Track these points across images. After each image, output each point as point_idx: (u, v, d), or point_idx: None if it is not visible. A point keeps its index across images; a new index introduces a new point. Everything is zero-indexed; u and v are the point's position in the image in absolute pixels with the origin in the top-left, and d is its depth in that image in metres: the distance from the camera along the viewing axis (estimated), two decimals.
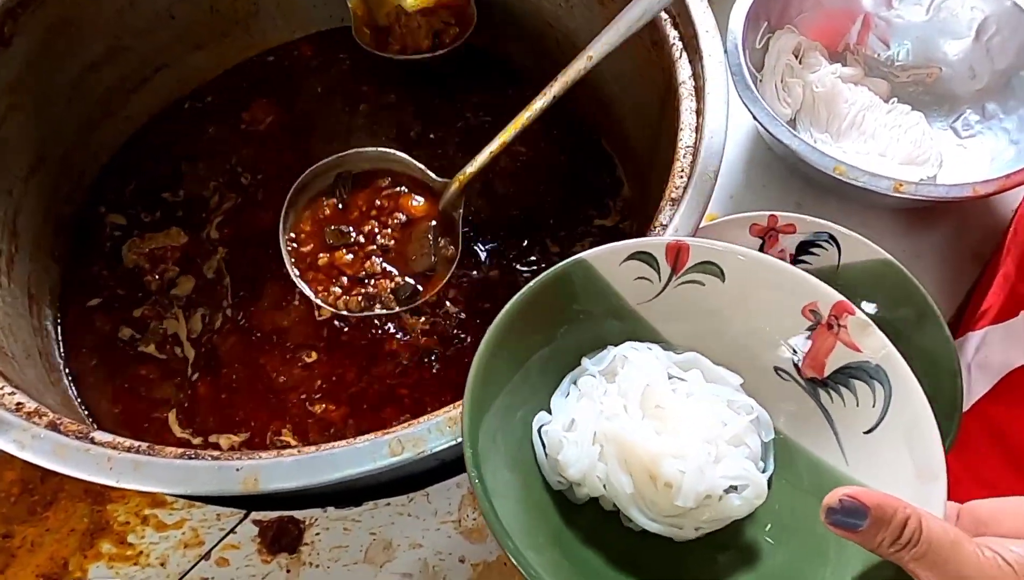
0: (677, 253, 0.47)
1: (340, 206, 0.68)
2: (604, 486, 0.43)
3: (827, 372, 0.45)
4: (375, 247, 0.68)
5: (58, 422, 0.49)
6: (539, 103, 0.65)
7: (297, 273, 0.66)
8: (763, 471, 0.44)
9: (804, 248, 0.65)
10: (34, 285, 0.71)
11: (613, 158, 0.81)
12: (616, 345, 0.47)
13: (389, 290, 0.65)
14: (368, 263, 0.67)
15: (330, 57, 0.87)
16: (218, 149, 0.81)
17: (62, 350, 0.72)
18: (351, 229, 0.67)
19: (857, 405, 0.44)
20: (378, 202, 0.69)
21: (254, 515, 0.59)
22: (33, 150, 0.72)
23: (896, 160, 0.78)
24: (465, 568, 0.59)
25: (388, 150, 0.70)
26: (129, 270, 0.75)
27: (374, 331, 0.70)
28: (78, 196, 0.78)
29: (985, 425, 0.62)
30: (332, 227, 0.68)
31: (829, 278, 0.64)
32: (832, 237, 0.64)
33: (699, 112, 0.60)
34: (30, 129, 0.71)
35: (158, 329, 0.72)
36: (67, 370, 0.71)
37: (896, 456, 0.41)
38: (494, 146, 0.65)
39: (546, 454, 0.44)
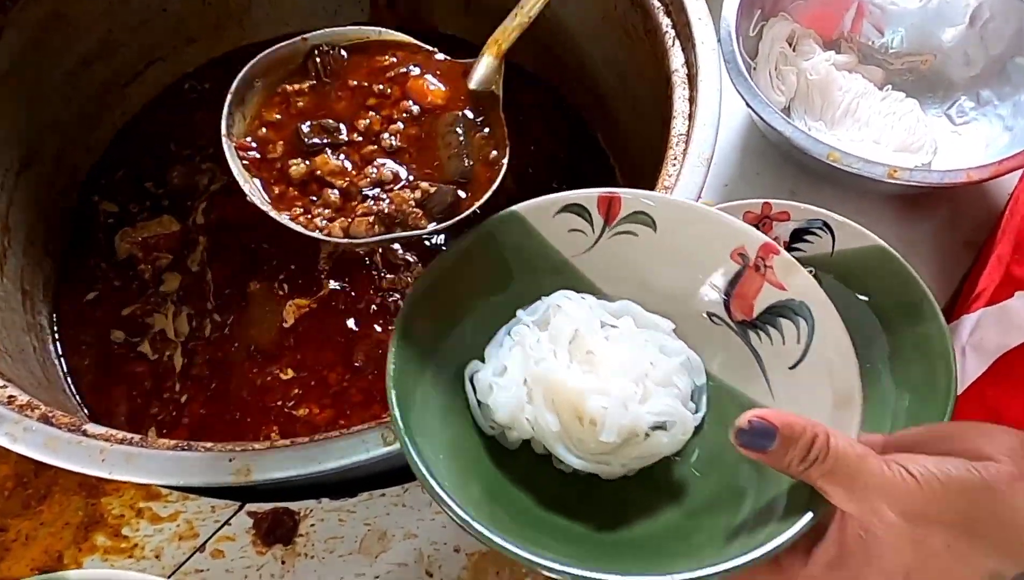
0: (609, 205, 0.48)
1: (316, 85, 0.48)
2: (532, 427, 0.44)
3: (755, 313, 0.47)
4: (376, 148, 0.48)
5: (50, 415, 0.49)
6: None
7: (258, 186, 0.46)
8: (695, 412, 0.46)
9: (798, 236, 0.65)
10: (27, 280, 0.71)
11: (610, 159, 0.81)
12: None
13: (412, 202, 0.46)
14: (371, 169, 0.47)
15: None
16: (209, 133, 0.81)
17: (59, 347, 0.72)
18: (339, 124, 0.47)
19: (783, 342, 0.45)
20: (379, 87, 0.50)
21: (249, 507, 0.59)
22: (26, 144, 0.72)
23: (890, 147, 0.78)
24: (460, 558, 0.59)
25: (381, 28, 0.52)
26: (123, 261, 0.75)
27: (352, 327, 0.69)
28: (72, 190, 0.78)
29: (981, 407, 0.62)
30: (309, 124, 0.47)
31: (823, 265, 0.65)
32: (826, 224, 0.64)
33: (692, 100, 0.60)
34: (22, 123, 0.71)
35: (151, 329, 0.72)
36: (64, 367, 0.71)
37: (817, 387, 0.43)
38: None
39: (478, 401, 0.45)
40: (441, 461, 0.41)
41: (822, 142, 0.70)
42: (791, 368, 0.45)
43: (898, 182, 0.69)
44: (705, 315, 0.48)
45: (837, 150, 0.70)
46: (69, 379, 0.70)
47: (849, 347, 0.43)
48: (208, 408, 0.68)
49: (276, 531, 0.59)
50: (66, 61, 0.75)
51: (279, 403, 0.67)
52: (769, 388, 0.45)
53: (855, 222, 0.63)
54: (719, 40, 0.71)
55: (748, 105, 0.72)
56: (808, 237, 0.64)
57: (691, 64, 0.61)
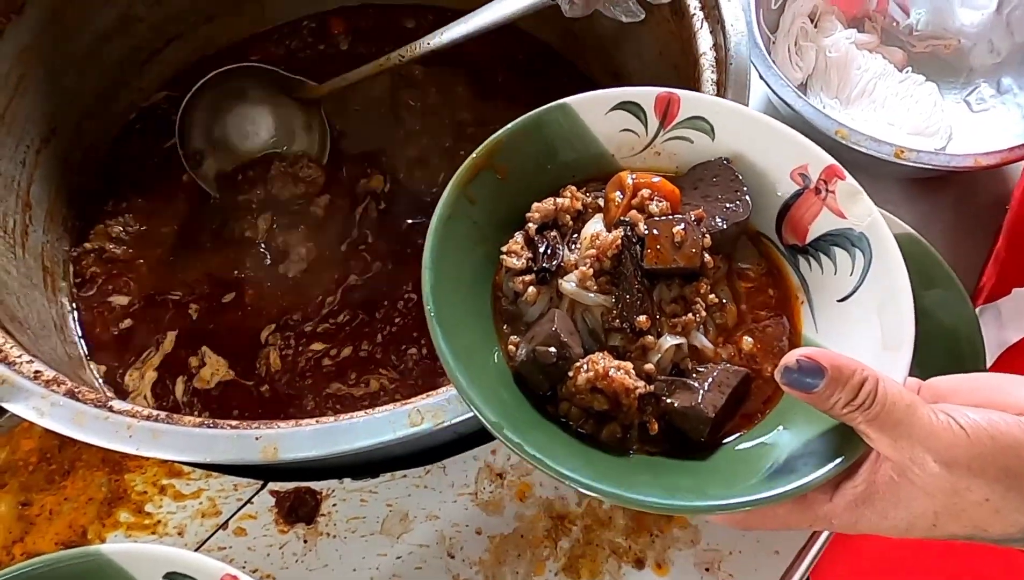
0: (668, 105, 0.45)
1: None
2: None
3: (809, 239, 0.44)
4: None
5: (76, 390, 0.49)
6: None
7: None
8: None
9: None
10: (48, 257, 0.71)
11: None
12: None
13: None
14: None
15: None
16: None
17: (78, 325, 0.72)
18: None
19: (835, 273, 0.43)
20: None
21: (271, 486, 0.60)
22: (46, 121, 0.72)
23: (904, 130, 0.77)
24: (481, 540, 0.59)
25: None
26: (133, 247, 0.75)
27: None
28: (90, 167, 0.78)
29: None
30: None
31: None
32: None
33: (720, 84, 0.59)
34: (42, 99, 0.71)
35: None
36: (84, 346, 0.71)
37: (866, 324, 0.41)
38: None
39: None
40: (465, 352, 0.39)
41: (831, 118, 0.69)
42: (840, 301, 0.42)
43: (905, 163, 0.68)
44: (755, 233, 0.46)
45: (845, 127, 0.69)
46: (89, 357, 0.70)
47: (907, 287, 0.40)
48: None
49: (298, 510, 0.59)
50: (85, 37, 0.74)
51: None
52: (813, 318, 0.43)
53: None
54: None
55: (761, 77, 0.71)
56: None
57: (720, 47, 0.60)
